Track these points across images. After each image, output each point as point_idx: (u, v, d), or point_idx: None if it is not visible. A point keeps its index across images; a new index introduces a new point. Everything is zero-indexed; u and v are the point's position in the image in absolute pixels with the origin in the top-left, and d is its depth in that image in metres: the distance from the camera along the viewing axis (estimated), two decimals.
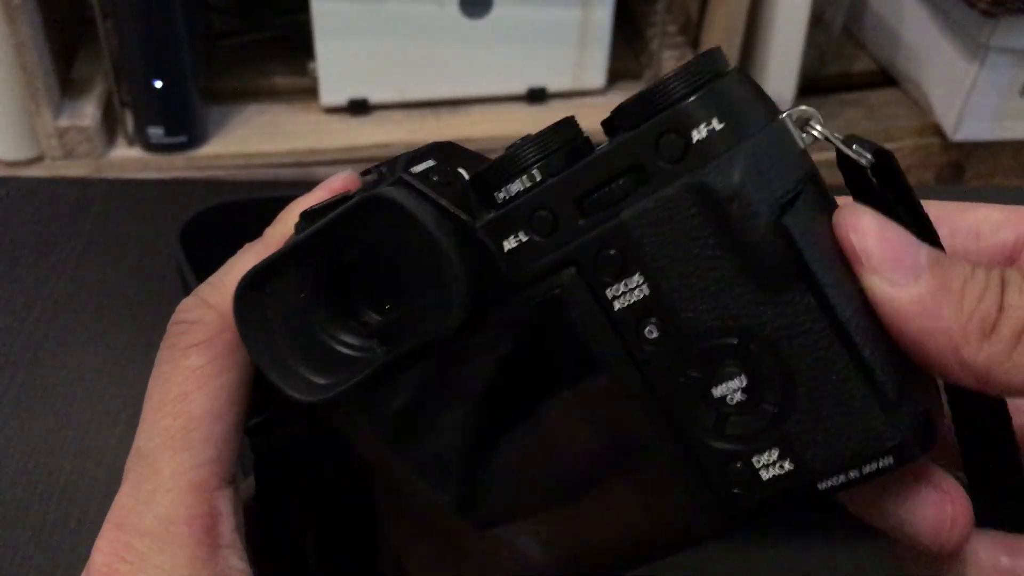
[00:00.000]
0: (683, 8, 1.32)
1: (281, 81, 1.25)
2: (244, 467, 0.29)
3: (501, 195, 0.24)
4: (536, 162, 0.23)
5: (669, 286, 0.22)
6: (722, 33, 1.22)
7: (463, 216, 0.24)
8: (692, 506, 0.24)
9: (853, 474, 0.23)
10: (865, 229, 0.22)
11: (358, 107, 1.22)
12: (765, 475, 0.23)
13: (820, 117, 0.23)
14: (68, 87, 1.16)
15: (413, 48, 1.19)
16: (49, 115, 1.11)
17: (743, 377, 0.22)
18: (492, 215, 0.24)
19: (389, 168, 0.25)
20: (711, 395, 0.23)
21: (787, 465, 0.23)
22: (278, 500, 0.30)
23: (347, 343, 0.26)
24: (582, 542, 0.26)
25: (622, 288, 0.23)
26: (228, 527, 0.26)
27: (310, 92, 1.22)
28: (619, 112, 0.23)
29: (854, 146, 0.23)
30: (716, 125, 0.21)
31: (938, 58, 1.25)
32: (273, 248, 0.27)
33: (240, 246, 0.49)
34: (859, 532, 0.41)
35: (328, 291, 0.25)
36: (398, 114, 1.24)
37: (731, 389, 0.23)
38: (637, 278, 0.23)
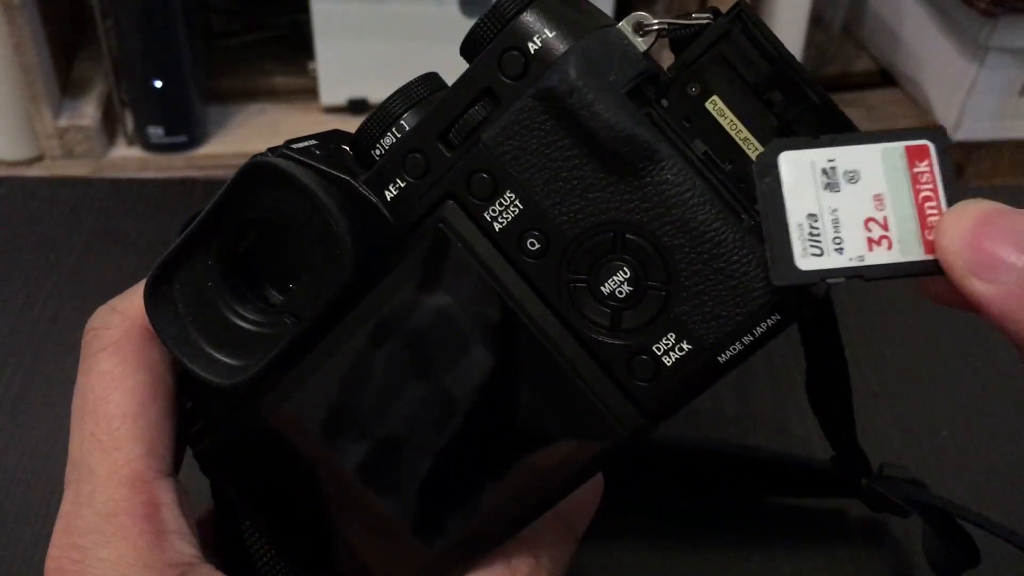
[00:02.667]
0: (683, 8, 1.32)
1: (281, 81, 1.25)
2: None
3: (377, 151, 0.25)
4: (403, 112, 0.25)
5: (539, 195, 0.23)
6: None
7: (340, 175, 0.25)
8: (606, 411, 0.24)
9: (747, 339, 0.23)
10: (960, 233, 0.22)
11: (358, 107, 1.22)
12: (668, 360, 0.24)
13: (650, 17, 0.24)
14: (68, 87, 1.16)
15: (413, 48, 1.19)
16: (49, 115, 1.11)
17: (626, 269, 0.23)
18: (371, 170, 0.25)
19: (272, 151, 0.26)
20: (601, 293, 0.24)
21: (685, 345, 0.23)
22: (230, 503, 0.30)
23: (258, 322, 0.26)
24: (513, 489, 0.26)
25: (498, 208, 0.24)
26: (172, 514, 0.26)
27: (310, 92, 1.23)
28: (464, 46, 0.24)
29: (693, 15, 0.24)
30: (548, 33, 0.23)
31: (938, 58, 1.25)
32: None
33: None
34: (860, 532, 0.41)
35: (233, 275, 0.26)
36: None
37: (617, 283, 0.23)
38: (509, 195, 0.23)
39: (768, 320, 0.23)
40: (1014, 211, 0.22)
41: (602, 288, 0.24)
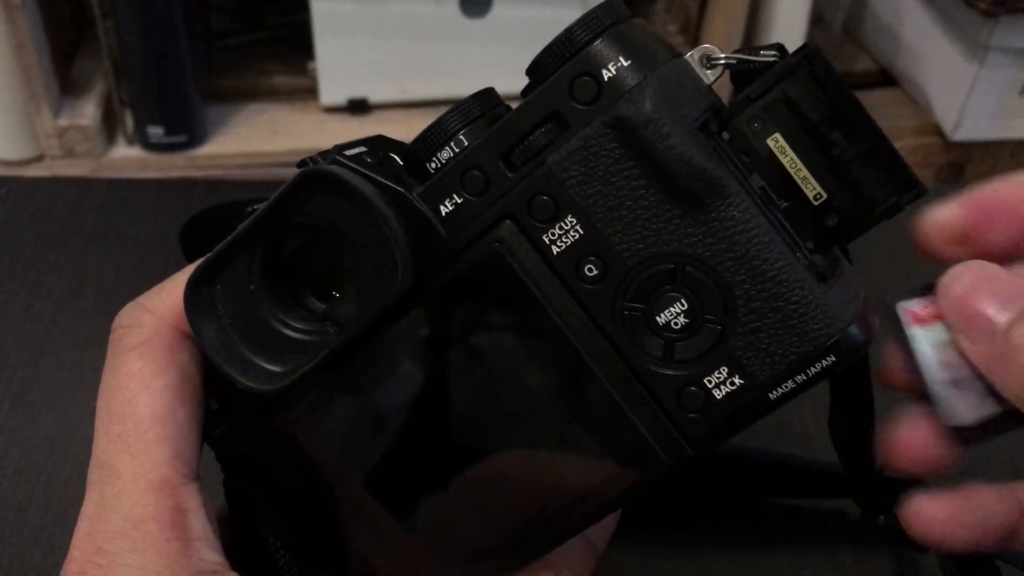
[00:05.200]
0: (683, 8, 1.32)
1: (281, 81, 1.25)
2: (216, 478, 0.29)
3: (432, 165, 0.25)
4: (461, 128, 0.24)
5: (600, 222, 0.23)
6: (722, 33, 1.22)
7: (396, 187, 0.24)
8: (652, 438, 0.24)
9: (800, 378, 0.23)
10: (957, 293, 0.24)
11: (358, 107, 1.22)
12: (718, 394, 0.24)
13: (718, 51, 0.24)
14: (68, 87, 1.16)
15: (413, 48, 1.19)
16: (49, 114, 1.11)
17: (683, 301, 0.23)
18: (427, 184, 0.24)
19: (323, 156, 0.26)
20: (656, 323, 0.24)
21: (737, 380, 0.23)
22: (246, 507, 0.30)
23: (299, 329, 0.26)
24: (542, 502, 0.26)
25: (557, 232, 0.24)
26: (198, 521, 0.26)
27: (310, 92, 1.22)
28: (532, 68, 0.24)
29: (760, 51, 0.24)
30: (623, 62, 0.23)
31: (938, 58, 1.25)
32: None
33: None
34: (860, 532, 0.41)
35: (276, 280, 0.26)
36: (398, 114, 1.24)
37: (674, 314, 0.23)
38: (570, 220, 0.23)
39: (823, 361, 0.23)
40: (1002, 273, 0.24)
41: (657, 318, 0.24)
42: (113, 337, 0.27)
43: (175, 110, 1.14)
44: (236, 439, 0.28)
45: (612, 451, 0.25)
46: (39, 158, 1.15)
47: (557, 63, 0.23)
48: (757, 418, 0.24)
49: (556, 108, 0.23)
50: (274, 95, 1.25)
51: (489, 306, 0.25)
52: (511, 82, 1.18)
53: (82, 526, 0.26)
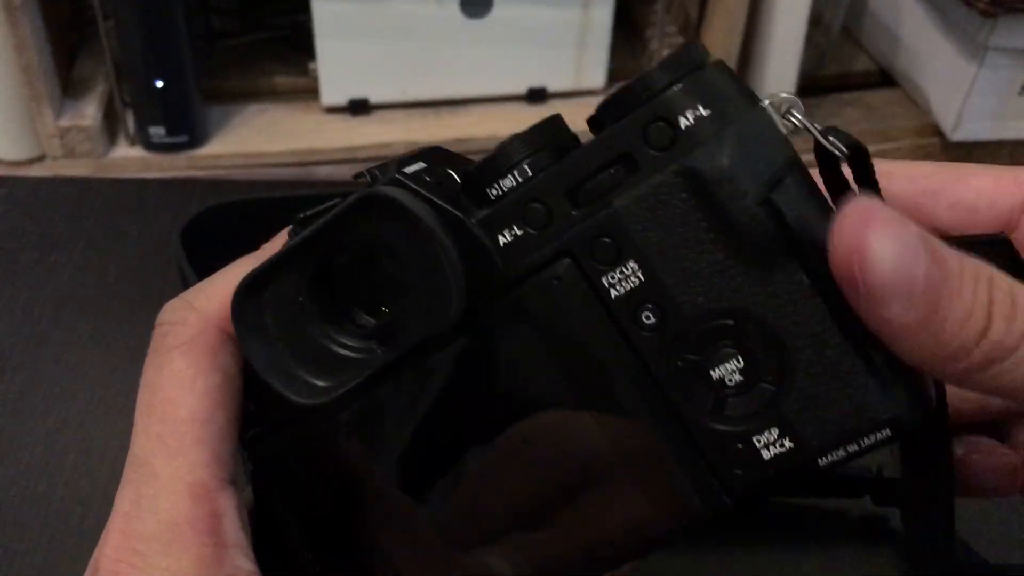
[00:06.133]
0: (683, 8, 1.32)
1: (281, 81, 1.25)
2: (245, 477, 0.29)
3: (493, 191, 0.24)
4: (526, 157, 0.24)
5: (664, 271, 0.23)
6: (722, 33, 1.22)
7: (456, 212, 0.24)
8: (693, 489, 0.24)
9: (852, 448, 0.23)
10: (879, 260, 0.21)
11: (358, 107, 1.22)
12: (766, 454, 0.23)
13: (800, 104, 0.23)
14: (69, 87, 1.17)
15: (413, 48, 1.19)
16: (50, 115, 1.11)
17: (740, 358, 0.23)
18: (486, 211, 0.24)
19: (381, 171, 0.25)
20: (709, 377, 0.23)
21: (787, 443, 0.23)
22: (274, 509, 0.30)
23: (346, 344, 0.25)
24: (579, 544, 0.26)
25: (617, 275, 0.23)
26: (232, 527, 0.26)
27: (310, 92, 1.23)
28: (604, 106, 0.23)
29: (830, 137, 0.24)
30: (702, 112, 0.22)
31: (937, 58, 1.25)
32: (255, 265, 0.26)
33: (240, 246, 0.49)
34: (860, 532, 0.41)
35: (325, 293, 0.25)
36: (398, 114, 1.24)
37: (729, 371, 0.23)
38: (632, 265, 0.23)
39: (878, 434, 0.23)
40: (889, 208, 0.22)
41: (711, 372, 0.23)
42: (157, 332, 0.27)
43: (176, 110, 1.14)
44: (272, 442, 0.28)
45: (652, 497, 0.24)
46: (40, 158, 1.15)
47: (633, 104, 0.23)
48: (802, 480, 0.24)
49: (628, 150, 0.23)
50: (275, 96, 1.25)
51: (541, 340, 0.24)
52: (511, 83, 1.20)
53: (116, 523, 0.25)
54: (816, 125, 0.23)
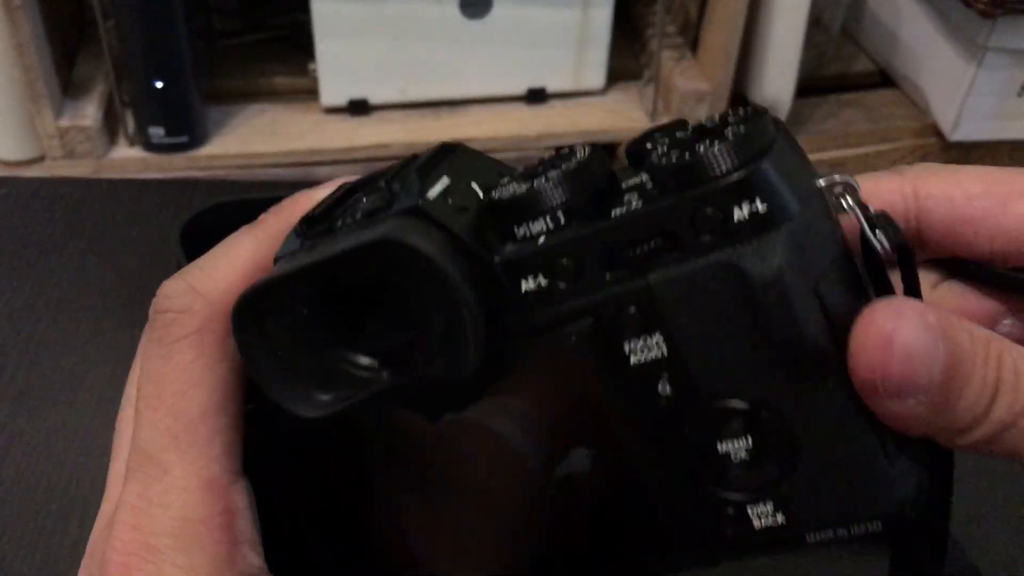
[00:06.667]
0: (682, 8, 1.32)
1: (281, 81, 1.25)
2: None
3: (521, 231, 0.23)
4: (561, 204, 0.23)
5: (689, 352, 0.22)
6: (721, 33, 1.22)
7: (481, 251, 0.23)
8: (681, 546, 0.25)
9: (842, 532, 0.23)
10: (900, 362, 0.21)
11: (358, 107, 1.22)
12: (757, 524, 0.24)
13: (855, 186, 0.23)
14: (69, 87, 1.17)
15: (413, 48, 1.19)
16: (50, 115, 1.11)
17: (749, 439, 0.23)
18: (511, 251, 0.23)
19: (401, 180, 0.24)
20: (715, 449, 0.23)
21: (779, 519, 0.23)
22: (270, 480, 0.29)
23: (351, 362, 0.25)
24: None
25: (640, 345, 0.23)
26: (245, 522, 0.25)
27: (310, 92, 1.23)
28: (656, 167, 0.22)
29: (877, 231, 0.23)
30: (759, 207, 0.21)
31: (936, 58, 1.25)
32: (271, 238, 0.26)
33: None
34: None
35: (331, 308, 0.24)
36: (398, 114, 1.24)
37: (736, 447, 0.23)
38: (656, 337, 0.22)
39: (869, 526, 0.23)
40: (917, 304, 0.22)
41: (719, 444, 0.23)
42: (161, 320, 0.26)
43: (176, 110, 1.14)
44: (267, 444, 0.28)
45: (641, 543, 0.25)
46: (40, 159, 1.15)
47: (687, 176, 0.22)
48: (787, 553, 0.24)
49: (674, 229, 0.22)
50: (275, 96, 1.25)
51: (552, 395, 0.24)
52: (510, 83, 1.20)
53: (125, 517, 0.25)
54: (866, 213, 0.23)
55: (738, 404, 0.23)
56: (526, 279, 0.23)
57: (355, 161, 1.19)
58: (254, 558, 0.25)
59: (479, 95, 1.25)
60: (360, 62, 1.19)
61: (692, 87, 1.24)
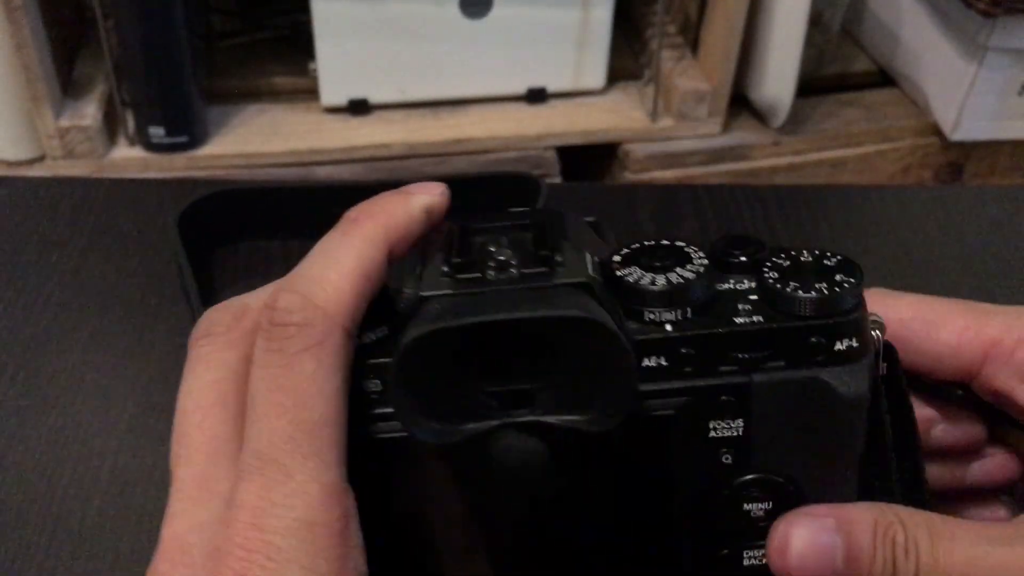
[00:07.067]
0: (682, 8, 1.32)
1: (281, 81, 1.25)
2: None
3: (650, 316, 0.27)
4: (693, 300, 0.27)
5: (758, 436, 0.28)
6: (722, 33, 1.22)
7: (626, 342, 0.26)
8: (684, 556, 0.29)
9: None
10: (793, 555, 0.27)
11: (358, 107, 1.22)
12: (746, 562, 0.29)
13: (883, 326, 0.29)
14: (69, 87, 1.17)
15: (413, 48, 1.20)
16: (50, 115, 1.11)
17: (771, 504, 0.28)
18: (639, 329, 0.27)
19: (545, 244, 0.27)
20: (741, 507, 0.28)
21: (764, 560, 0.28)
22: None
23: (486, 395, 0.27)
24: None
25: (722, 424, 0.28)
26: (355, 527, 0.26)
27: (310, 92, 1.23)
28: (772, 292, 0.27)
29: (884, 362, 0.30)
30: (853, 343, 0.27)
31: (937, 58, 1.25)
32: (371, 244, 0.28)
33: (238, 233, 0.50)
34: None
35: (483, 348, 0.26)
36: (398, 114, 1.24)
37: (757, 508, 0.28)
38: (738, 422, 0.27)
39: None
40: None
41: (744, 505, 0.28)
42: (281, 332, 0.27)
43: (176, 110, 1.15)
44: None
45: (647, 555, 0.30)
46: (40, 158, 1.15)
47: (803, 312, 0.27)
48: None
49: (787, 348, 0.27)
50: (275, 96, 1.25)
51: (627, 450, 0.28)
52: (510, 83, 1.20)
53: (244, 516, 0.25)
54: (888, 346, 0.30)
55: (775, 478, 0.28)
56: (649, 358, 0.27)
57: (355, 161, 1.19)
58: (362, 564, 0.26)
59: (479, 95, 1.25)
60: (360, 62, 1.19)
61: (692, 87, 1.24)
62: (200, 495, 0.27)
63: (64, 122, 1.12)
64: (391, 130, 1.22)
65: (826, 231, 0.56)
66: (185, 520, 0.27)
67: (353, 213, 0.30)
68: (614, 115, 1.25)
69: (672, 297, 0.27)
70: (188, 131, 1.16)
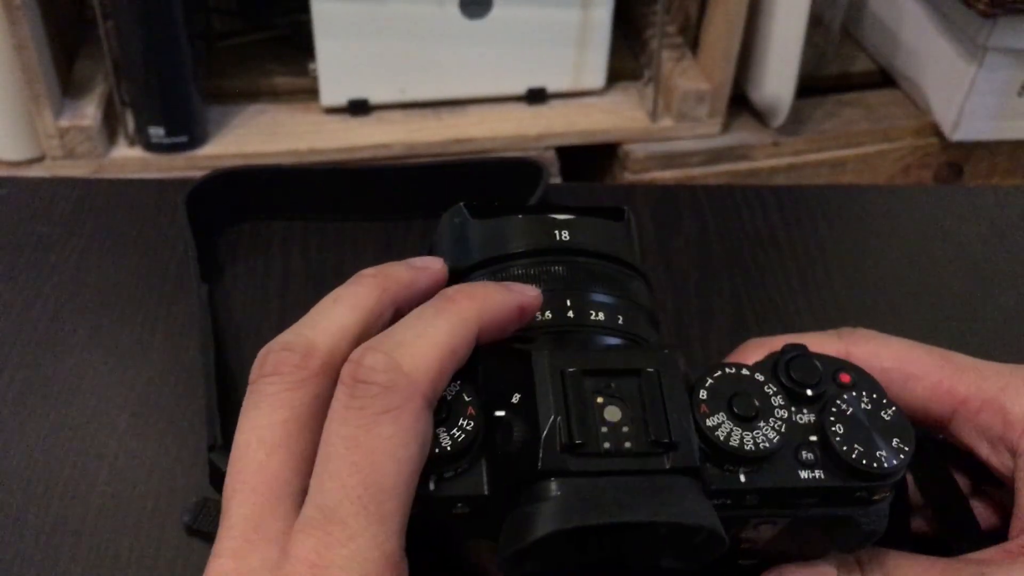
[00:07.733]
0: (682, 8, 1.32)
1: (281, 81, 1.25)
2: None
3: (729, 468, 0.30)
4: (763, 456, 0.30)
5: (775, 544, 0.33)
6: (722, 33, 1.22)
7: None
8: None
9: None
10: None
11: (358, 107, 1.22)
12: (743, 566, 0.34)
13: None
14: (69, 87, 1.17)
15: (413, 48, 1.20)
16: (50, 115, 1.11)
17: (773, 526, 0.32)
18: (716, 478, 0.30)
19: (640, 419, 0.29)
20: (735, 562, 0.34)
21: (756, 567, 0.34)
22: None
23: (576, 562, 0.29)
24: None
25: (749, 533, 0.32)
26: None
27: (310, 92, 1.23)
28: (833, 450, 0.30)
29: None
30: (887, 493, 0.31)
31: (937, 58, 1.25)
32: (465, 324, 0.29)
33: (245, 214, 0.50)
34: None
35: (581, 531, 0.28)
36: (398, 114, 1.24)
37: (762, 531, 0.32)
38: (768, 528, 0.32)
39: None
40: None
41: (740, 560, 0.34)
42: (364, 390, 0.27)
43: (176, 110, 1.15)
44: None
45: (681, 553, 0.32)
46: (40, 158, 1.15)
47: (861, 476, 0.30)
48: None
49: (837, 499, 0.31)
50: (275, 96, 1.25)
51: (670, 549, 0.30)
52: (510, 83, 1.19)
53: (302, 570, 0.26)
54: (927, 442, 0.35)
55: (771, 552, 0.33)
56: (716, 498, 0.30)
57: (355, 161, 1.19)
58: None
59: (479, 95, 1.25)
60: (360, 62, 1.19)
61: (692, 87, 1.24)
62: (254, 538, 0.27)
63: (64, 122, 1.12)
64: (391, 130, 1.22)
65: (826, 231, 0.56)
66: (235, 561, 0.26)
67: (451, 291, 0.30)
68: (614, 115, 1.25)
69: (757, 458, 0.30)
70: (188, 131, 1.16)
